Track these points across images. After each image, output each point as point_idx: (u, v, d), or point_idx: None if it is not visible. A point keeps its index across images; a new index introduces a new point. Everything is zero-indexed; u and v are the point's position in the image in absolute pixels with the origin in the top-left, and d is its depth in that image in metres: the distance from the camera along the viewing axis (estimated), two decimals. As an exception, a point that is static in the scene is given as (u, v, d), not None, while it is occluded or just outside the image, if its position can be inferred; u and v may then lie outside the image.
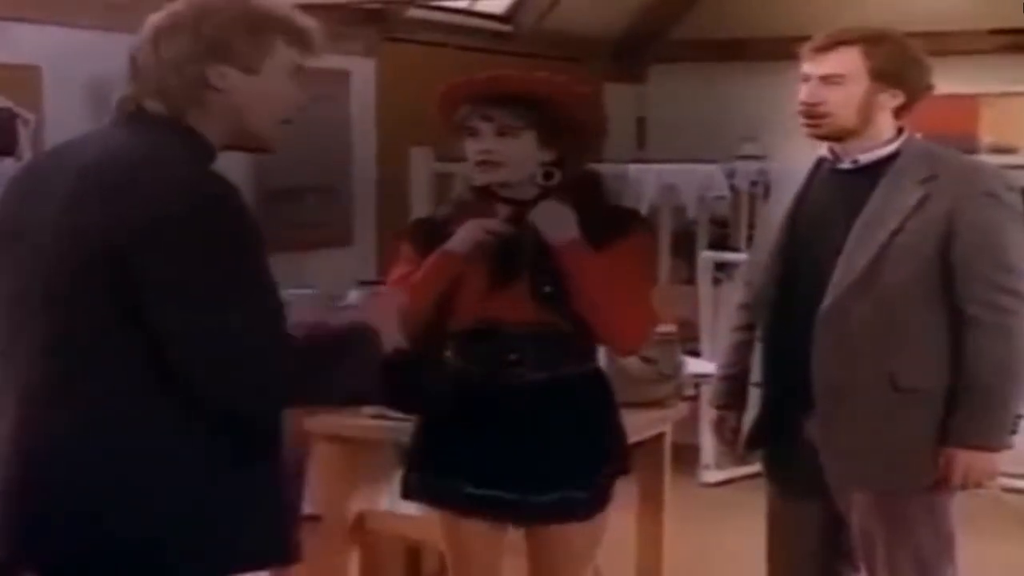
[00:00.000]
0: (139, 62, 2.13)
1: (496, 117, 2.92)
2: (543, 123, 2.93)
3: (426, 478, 3.09)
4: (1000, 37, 8.15)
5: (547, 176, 2.96)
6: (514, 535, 3.10)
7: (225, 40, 2.09)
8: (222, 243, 1.98)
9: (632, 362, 3.87)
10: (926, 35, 7.64)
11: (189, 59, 2.08)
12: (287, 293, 5.86)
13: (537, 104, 2.92)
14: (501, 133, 2.93)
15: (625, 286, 2.90)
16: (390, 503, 4.07)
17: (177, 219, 1.95)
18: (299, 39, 2.16)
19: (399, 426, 3.51)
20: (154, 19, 2.15)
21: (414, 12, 7.48)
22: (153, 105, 2.11)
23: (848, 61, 3.07)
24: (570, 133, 2.96)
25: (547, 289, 2.90)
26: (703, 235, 7.36)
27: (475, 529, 3.07)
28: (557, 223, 2.90)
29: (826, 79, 3.08)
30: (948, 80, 8.08)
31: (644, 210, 6.96)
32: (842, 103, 3.07)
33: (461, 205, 3.10)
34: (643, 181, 7.17)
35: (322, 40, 2.20)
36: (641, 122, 9.35)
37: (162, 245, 1.95)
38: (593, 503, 3.02)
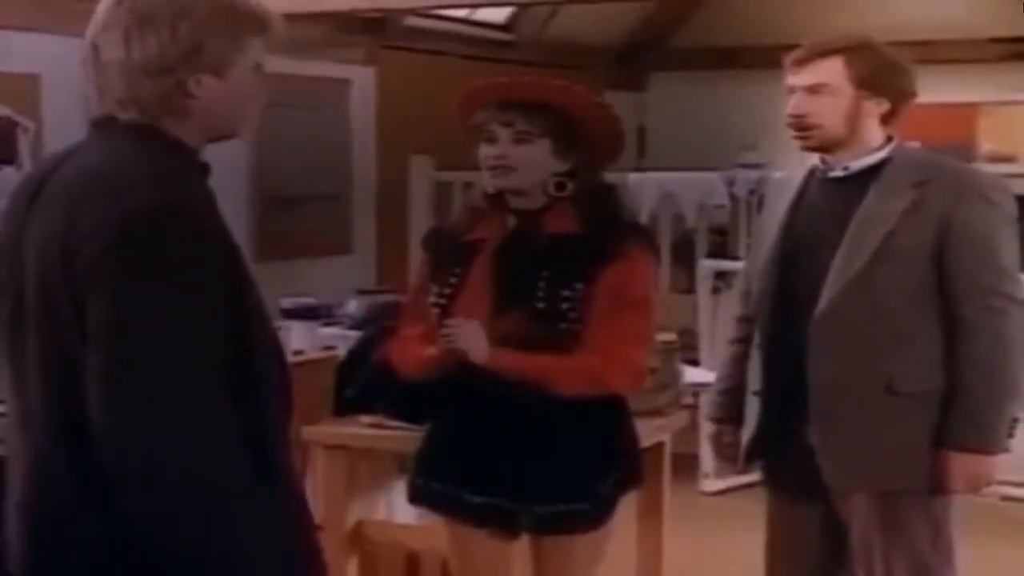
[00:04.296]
0: (104, 58, 1.99)
1: (514, 122, 2.91)
2: (559, 132, 2.92)
3: (431, 485, 3.07)
4: (999, 46, 8.17)
5: (559, 187, 2.94)
6: (523, 545, 3.08)
7: (201, 44, 1.97)
8: (168, 283, 1.85)
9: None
10: (925, 44, 7.65)
11: (165, 67, 1.97)
12: (286, 301, 5.73)
13: (555, 112, 2.92)
14: (517, 139, 2.92)
15: (613, 332, 2.87)
16: (388, 512, 4.07)
17: (123, 250, 1.84)
18: (267, 32, 2.06)
19: (397, 435, 3.52)
20: (118, 8, 1.99)
21: (414, 21, 7.49)
22: (126, 114, 1.99)
23: (830, 71, 3.09)
24: (585, 145, 2.95)
25: (540, 306, 2.87)
26: (702, 243, 7.36)
27: (480, 538, 3.04)
28: (475, 345, 2.87)
29: (811, 90, 3.10)
30: (947, 89, 8.09)
31: (644, 218, 6.99)
32: (829, 113, 3.09)
33: (473, 215, 3.08)
34: (643, 189, 7.19)
35: (283, 30, 2.09)
36: (641, 130, 9.36)
37: (104, 277, 1.84)
38: (597, 514, 3.00)
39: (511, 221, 3.00)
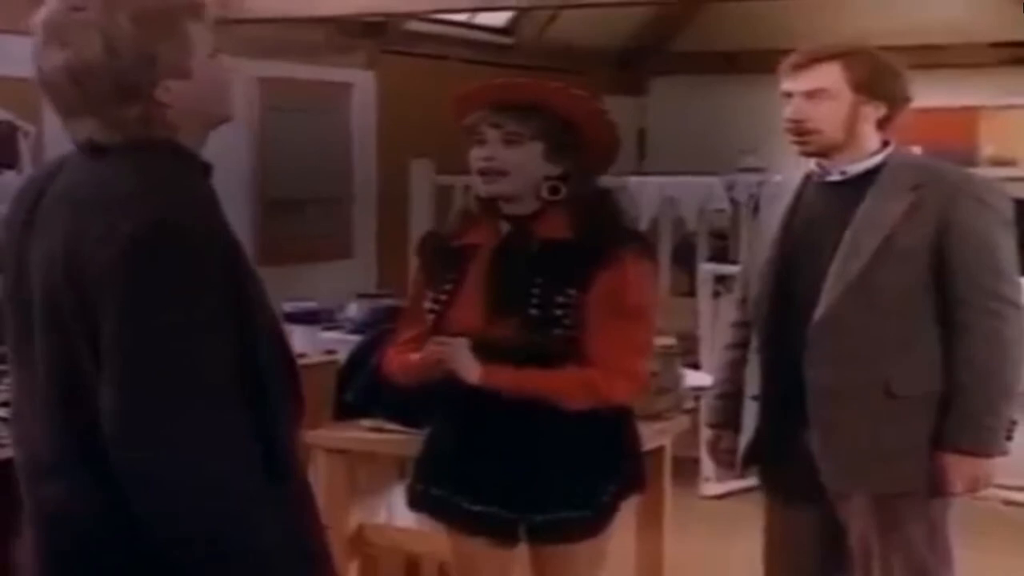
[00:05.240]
0: (62, 99, 1.97)
1: (504, 124, 2.89)
2: (551, 135, 2.90)
3: (430, 491, 3.06)
4: (1000, 50, 8.17)
5: (553, 191, 2.91)
6: (523, 551, 3.06)
7: (151, 53, 1.93)
8: (176, 292, 1.86)
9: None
10: (926, 48, 7.64)
11: (129, 89, 1.94)
12: (287, 305, 5.73)
13: (547, 115, 2.89)
14: (507, 141, 2.89)
15: (612, 342, 2.84)
16: (388, 515, 4.07)
17: (131, 262, 1.85)
18: (201, 14, 2.01)
19: (397, 439, 3.52)
20: (49, 48, 1.96)
21: (415, 25, 7.49)
22: (111, 139, 1.97)
23: (829, 76, 3.10)
24: (578, 149, 2.92)
25: (533, 312, 2.85)
26: (703, 247, 7.36)
27: (480, 545, 3.02)
28: (465, 365, 2.86)
29: (809, 95, 3.10)
30: (948, 93, 8.07)
31: (644, 222, 6.98)
32: (828, 118, 3.10)
33: (467, 220, 3.06)
34: (643, 193, 7.19)
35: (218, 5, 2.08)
36: (641, 134, 9.37)
37: (114, 289, 1.85)
38: (597, 522, 2.98)
39: (504, 227, 2.98)
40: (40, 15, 1.99)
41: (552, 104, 2.91)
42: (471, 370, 2.86)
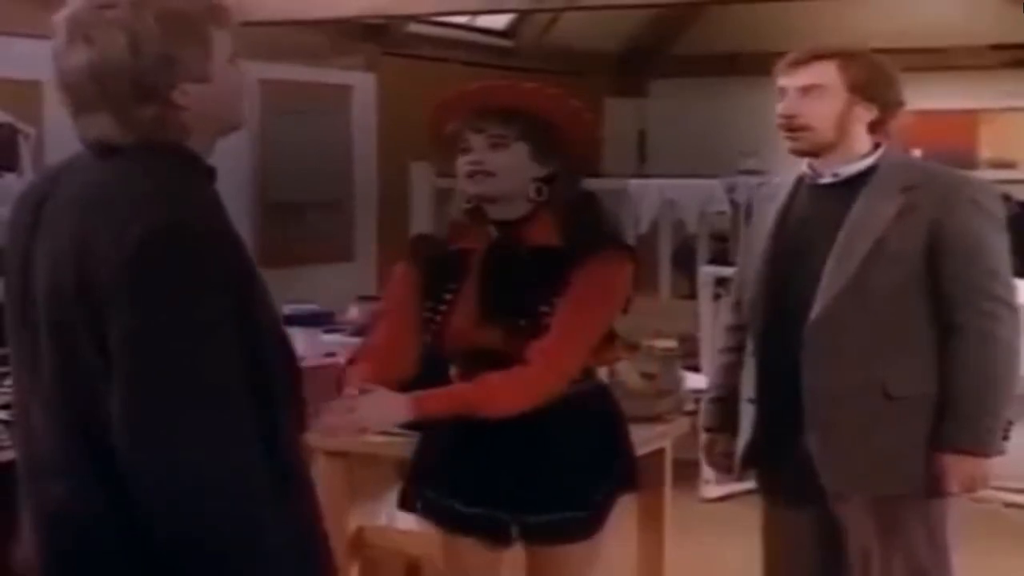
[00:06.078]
0: (79, 96, 1.97)
1: (487, 128, 2.88)
2: (534, 135, 2.89)
3: (423, 492, 3.06)
4: (1000, 53, 8.18)
5: (539, 192, 2.91)
6: (515, 552, 3.07)
7: (171, 56, 1.94)
8: (184, 296, 1.87)
9: (632, 377, 3.87)
10: (927, 51, 7.64)
11: (146, 90, 1.95)
12: (287, 308, 5.71)
13: (528, 116, 2.89)
14: (492, 145, 2.88)
15: (557, 328, 2.81)
16: (389, 518, 4.07)
17: (141, 266, 1.86)
18: (225, 20, 2.02)
19: (399, 441, 3.52)
20: (73, 44, 1.95)
21: (415, 27, 7.50)
22: (123, 139, 1.98)
23: (825, 73, 3.11)
24: (562, 148, 2.92)
25: (521, 323, 2.84)
26: (704, 250, 7.37)
27: (472, 546, 3.03)
28: (385, 414, 2.79)
29: (804, 91, 3.12)
30: (948, 95, 8.08)
31: (645, 225, 6.99)
32: (821, 115, 3.11)
33: (456, 227, 3.05)
34: (644, 196, 7.20)
35: (234, 10, 2.06)
36: (642, 136, 9.37)
37: (123, 292, 1.86)
38: (591, 523, 2.98)
39: (492, 232, 2.97)
40: (63, 12, 1.99)
41: (530, 105, 2.91)
42: (395, 414, 2.79)
